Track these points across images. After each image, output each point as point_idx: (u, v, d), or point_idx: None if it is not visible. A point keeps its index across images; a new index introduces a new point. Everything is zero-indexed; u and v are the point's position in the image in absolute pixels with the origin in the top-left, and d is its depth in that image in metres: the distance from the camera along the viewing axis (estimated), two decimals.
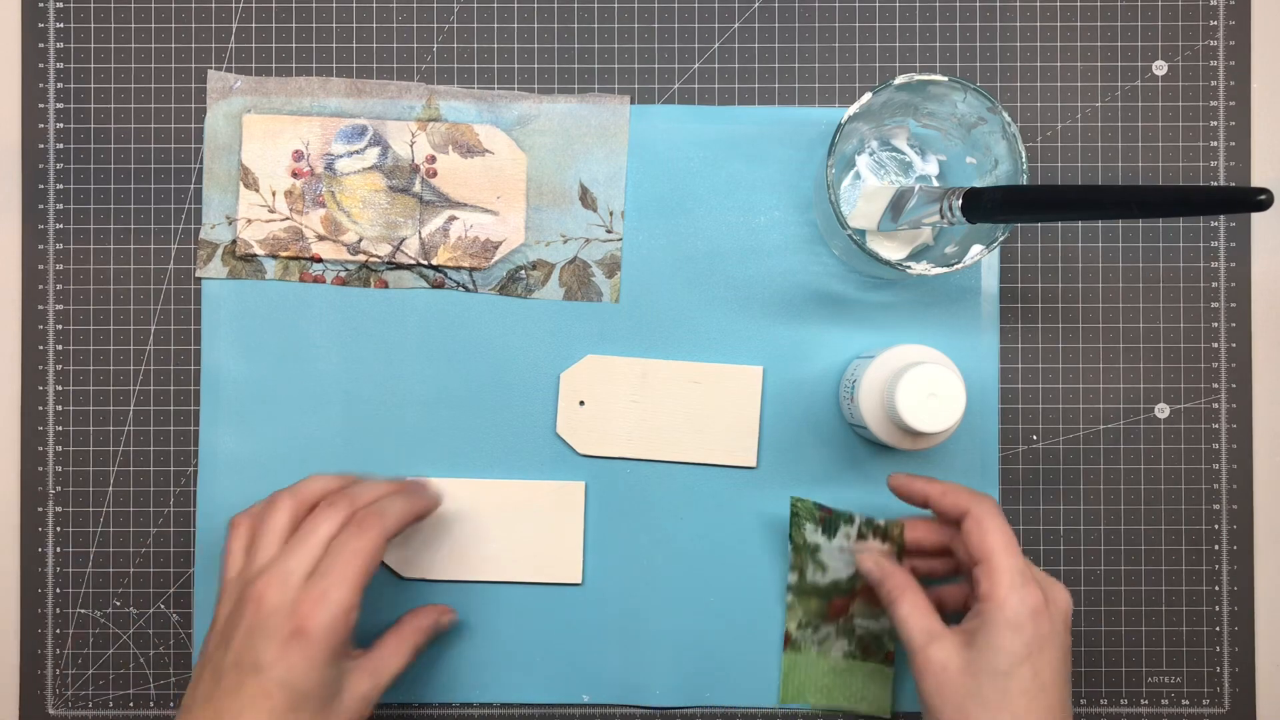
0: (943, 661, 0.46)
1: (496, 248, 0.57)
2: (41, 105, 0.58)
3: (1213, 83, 0.58)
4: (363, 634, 0.51)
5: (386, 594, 0.57)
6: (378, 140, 0.57)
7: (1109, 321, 0.57)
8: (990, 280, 0.57)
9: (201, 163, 0.58)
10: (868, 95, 0.50)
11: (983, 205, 0.47)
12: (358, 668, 0.49)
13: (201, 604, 0.57)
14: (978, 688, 0.45)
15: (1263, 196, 0.39)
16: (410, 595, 0.57)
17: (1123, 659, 0.57)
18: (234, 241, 0.57)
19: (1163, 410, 0.58)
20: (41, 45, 0.58)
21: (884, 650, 0.56)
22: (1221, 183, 0.58)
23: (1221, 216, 0.57)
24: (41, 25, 0.58)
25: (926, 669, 0.47)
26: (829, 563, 0.55)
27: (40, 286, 0.58)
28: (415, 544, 0.57)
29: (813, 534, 0.55)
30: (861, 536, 0.54)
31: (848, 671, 0.56)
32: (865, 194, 0.55)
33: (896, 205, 0.53)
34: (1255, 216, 0.58)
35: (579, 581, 0.57)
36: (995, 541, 0.47)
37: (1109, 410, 0.57)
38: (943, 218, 0.50)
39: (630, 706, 0.57)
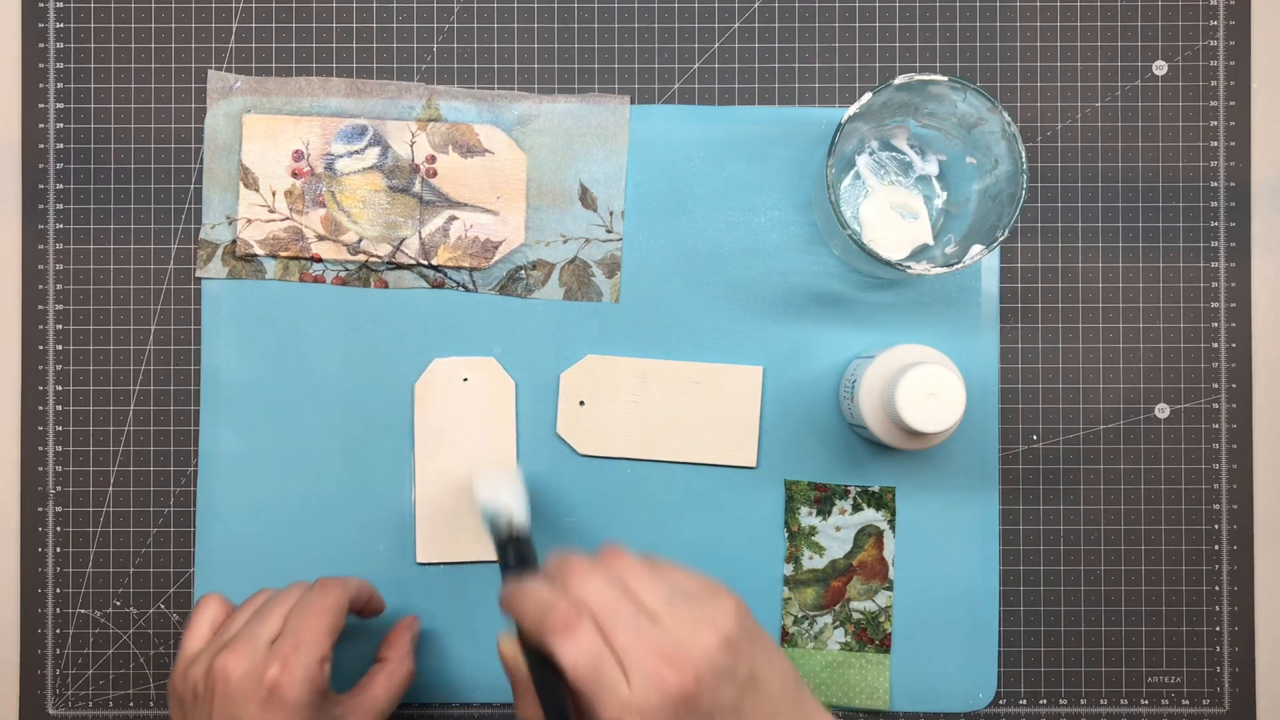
0: None
1: (496, 248, 0.57)
2: (41, 105, 0.58)
3: (1213, 83, 0.58)
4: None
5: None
6: (378, 140, 0.57)
7: (1109, 321, 0.57)
8: (990, 280, 0.57)
9: (201, 163, 0.58)
10: (868, 95, 0.50)
11: None
12: (347, 711, 0.49)
13: None
14: None
15: None
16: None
17: (1123, 659, 0.57)
18: (234, 241, 0.57)
19: (1163, 410, 0.58)
20: (41, 45, 0.58)
21: (882, 632, 0.56)
22: (1221, 183, 0.57)
23: (1221, 216, 0.57)
24: (41, 25, 0.58)
25: None
26: (825, 544, 0.56)
27: (40, 286, 0.58)
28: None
29: (808, 517, 0.56)
30: (857, 507, 0.56)
31: (844, 665, 0.56)
32: None
33: None
34: (1255, 216, 0.57)
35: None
36: None
37: (1109, 410, 0.57)
38: None
39: None
